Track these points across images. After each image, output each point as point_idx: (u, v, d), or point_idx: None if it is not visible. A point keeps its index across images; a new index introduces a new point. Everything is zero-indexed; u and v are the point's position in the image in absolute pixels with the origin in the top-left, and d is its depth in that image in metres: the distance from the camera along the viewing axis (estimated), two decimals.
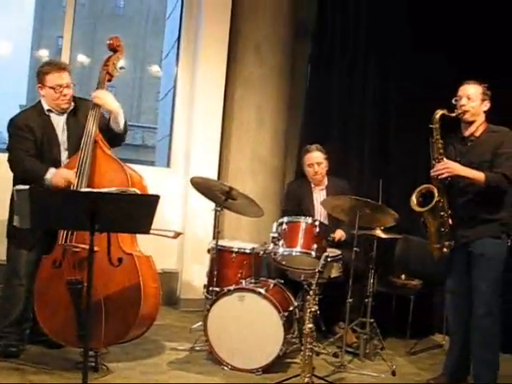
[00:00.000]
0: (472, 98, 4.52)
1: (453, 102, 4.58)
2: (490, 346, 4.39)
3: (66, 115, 4.77)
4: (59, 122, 4.75)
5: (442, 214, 4.44)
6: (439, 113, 4.49)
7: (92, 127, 4.59)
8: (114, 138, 4.85)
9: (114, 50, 4.90)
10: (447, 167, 4.37)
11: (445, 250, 4.48)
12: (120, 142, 4.98)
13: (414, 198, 4.52)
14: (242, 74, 6.92)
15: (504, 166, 4.33)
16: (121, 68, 4.97)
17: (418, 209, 4.50)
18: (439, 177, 4.40)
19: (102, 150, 4.59)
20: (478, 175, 4.30)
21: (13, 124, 4.69)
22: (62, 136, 4.74)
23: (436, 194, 4.38)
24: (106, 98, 4.74)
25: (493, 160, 4.40)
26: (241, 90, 6.94)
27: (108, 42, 4.93)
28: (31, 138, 4.61)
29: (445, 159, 4.45)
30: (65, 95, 4.70)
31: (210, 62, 6.87)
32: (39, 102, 4.81)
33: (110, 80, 4.88)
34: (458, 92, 4.61)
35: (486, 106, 4.57)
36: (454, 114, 4.50)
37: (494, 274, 4.38)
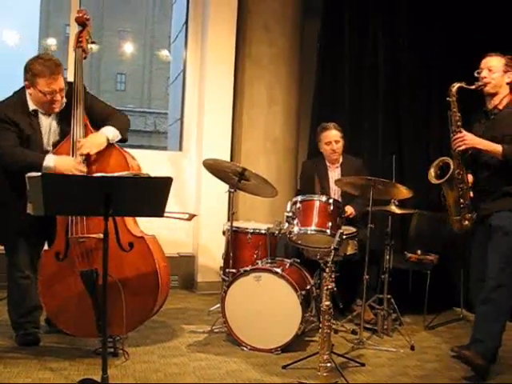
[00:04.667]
0: (493, 70, 4.44)
1: (475, 74, 4.49)
2: (496, 319, 4.25)
3: (52, 116, 4.46)
4: (45, 124, 4.44)
5: (461, 186, 4.40)
6: (456, 85, 4.44)
7: (79, 111, 4.35)
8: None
9: (83, 24, 4.57)
10: (464, 139, 4.33)
11: (466, 222, 4.45)
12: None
13: (431, 171, 4.51)
14: (252, 53, 6.89)
15: None
16: (92, 42, 4.63)
17: (435, 181, 4.48)
18: (456, 149, 4.37)
19: (92, 133, 4.40)
20: (496, 148, 4.25)
21: None
22: (49, 138, 4.45)
23: (452, 166, 4.36)
24: (93, 146, 4.32)
25: None
26: (251, 69, 6.91)
27: (76, 15, 4.61)
28: (16, 132, 4.27)
29: (463, 131, 4.38)
30: (57, 101, 4.35)
31: (219, 43, 6.85)
32: (22, 93, 4.40)
33: (85, 57, 4.54)
34: (480, 65, 4.52)
35: (510, 77, 4.46)
36: (473, 87, 4.43)
37: (508, 247, 4.26)
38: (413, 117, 6.99)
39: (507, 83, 4.48)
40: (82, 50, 4.53)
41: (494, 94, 4.47)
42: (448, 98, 4.47)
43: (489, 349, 4.25)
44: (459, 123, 4.42)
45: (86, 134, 4.35)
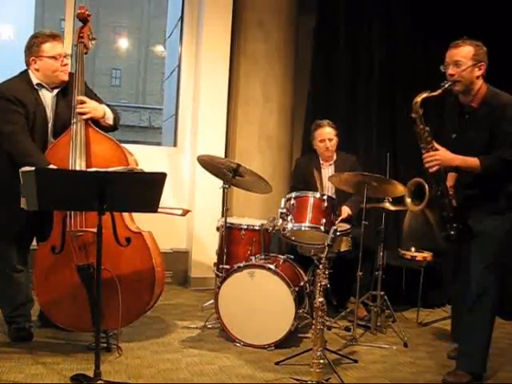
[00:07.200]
0: (461, 64, 4.03)
1: (441, 69, 4.11)
2: (483, 329, 4.11)
3: (55, 92, 4.47)
4: (48, 100, 4.44)
5: (442, 200, 4.12)
6: (419, 99, 4.07)
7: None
8: (106, 131, 4.58)
9: (84, 20, 4.59)
10: (436, 159, 4.04)
11: (452, 233, 4.12)
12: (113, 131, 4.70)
13: (407, 199, 4.36)
14: (247, 50, 6.88)
15: (502, 147, 3.96)
16: (93, 39, 4.65)
17: (415, 208, 4.30)
18: (429, 170, 4.09)
19: (93, 128, 4.39)
20: (473, 163, 3.97)
21: None
22: (50, 116, 4.44)
23: (427, 189, 4.16)
24: (92, 108, 4.41)
25: (490, 140, 4.02)
26: (246, 66, 6.90)
27: (78, 11, 4.61)
28: (22, 113, 4.26)
29: (435, 146, 4.09)
30: (65, 65, 4.43)
31: (214, 39, 6.84)
32: (25, 73, 4.45)
33: (86, 53, 4.57)
34: (446, 58, 4.12)
35: (481, 69, 4.07)
36: (439, 91, 4.04)
37: (490, 251, 4.06)
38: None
39: (478, 77, 4.09)
40: (83, 45, 4.57)
41: (465, 91, 4.12)
42: (413, 115, 4.11)
43: (478, 361, 4.13)
44: (429, 138, 4.09)
45: (86, 129, 4.35)
